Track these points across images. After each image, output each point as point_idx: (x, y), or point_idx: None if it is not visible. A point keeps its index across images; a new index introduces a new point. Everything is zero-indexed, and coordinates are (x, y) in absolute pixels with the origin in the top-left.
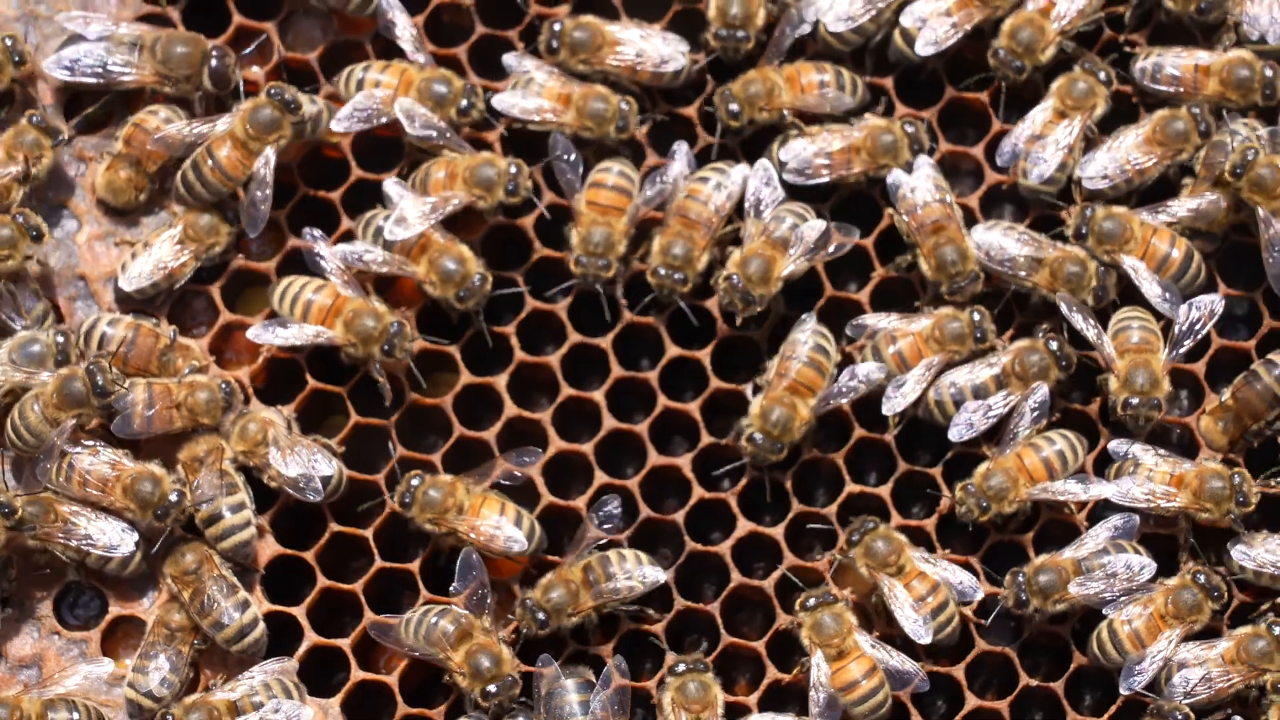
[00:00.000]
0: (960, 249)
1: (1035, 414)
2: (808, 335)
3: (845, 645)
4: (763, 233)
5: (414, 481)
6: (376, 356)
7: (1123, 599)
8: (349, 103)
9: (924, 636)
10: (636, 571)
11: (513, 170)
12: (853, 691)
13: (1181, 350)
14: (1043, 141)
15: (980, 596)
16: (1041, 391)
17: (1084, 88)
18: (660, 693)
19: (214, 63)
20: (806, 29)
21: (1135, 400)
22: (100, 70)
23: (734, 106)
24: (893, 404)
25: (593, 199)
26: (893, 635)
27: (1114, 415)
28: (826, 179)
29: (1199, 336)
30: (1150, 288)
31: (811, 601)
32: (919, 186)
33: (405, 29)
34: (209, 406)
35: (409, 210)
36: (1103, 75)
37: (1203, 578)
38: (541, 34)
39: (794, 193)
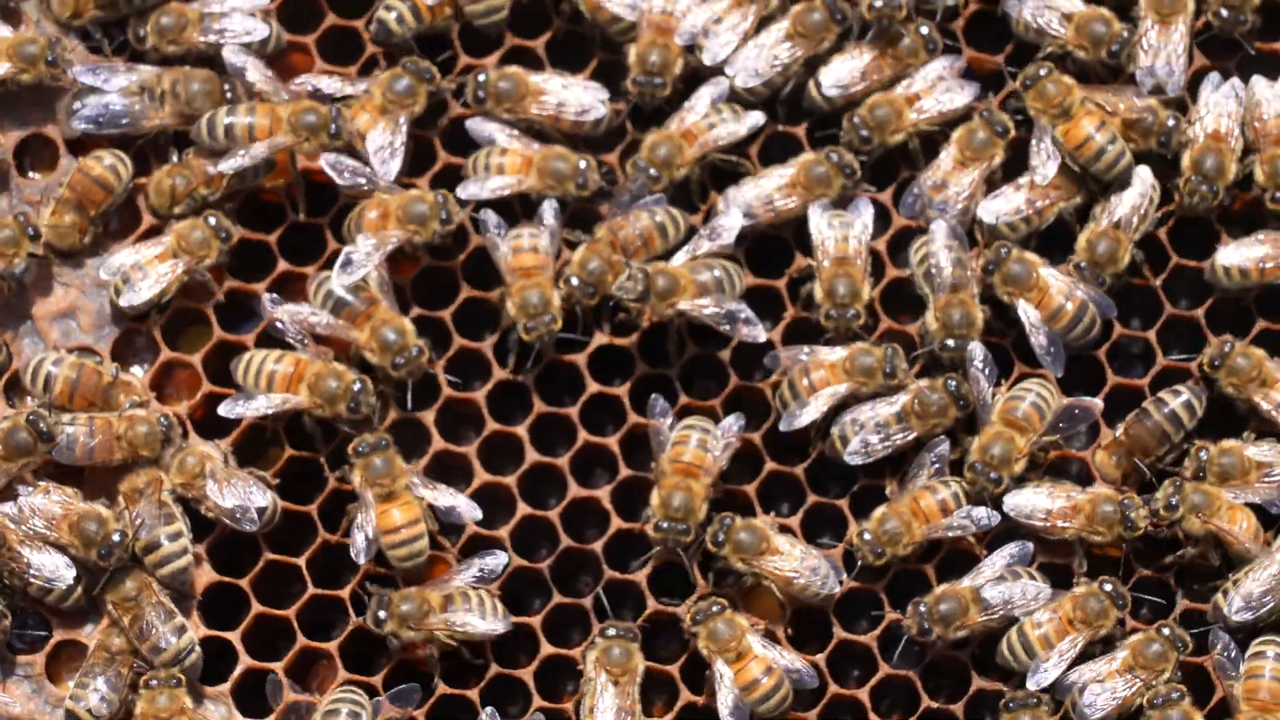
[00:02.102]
0: (855, 288)
1: (935, 465)
2: (698, 426)
3: (741, 648)
4: (690, 270)
5: (381, 442)
6: (344, 415)
7: (1032, 604)
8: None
9: (820, 582)
10: (479, 614)
11: (441, 200)
12: (755, 690)
13: (1048, 439)
14: (945, 191)
15: (838, 585)
16: (943, 445)
17: (983, 138)
18: (586, 653)
19: (229, 95)
20: (710, 100)
21: (980, 466)
22: (126, 121)
23: (654, 172)
24: (790, 421)
25: (518, 264)
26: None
27: (965, 470)
28: (769, 218)
29: (1067, 432)
30: (1037, 338)
31: (700, 615)
32: (843, 224)
33: (330, 83)
34: (148, 440)
35: (355, 255)
36: (999, 128)
37: (1109, 586)
38: (468, 85)
39: None
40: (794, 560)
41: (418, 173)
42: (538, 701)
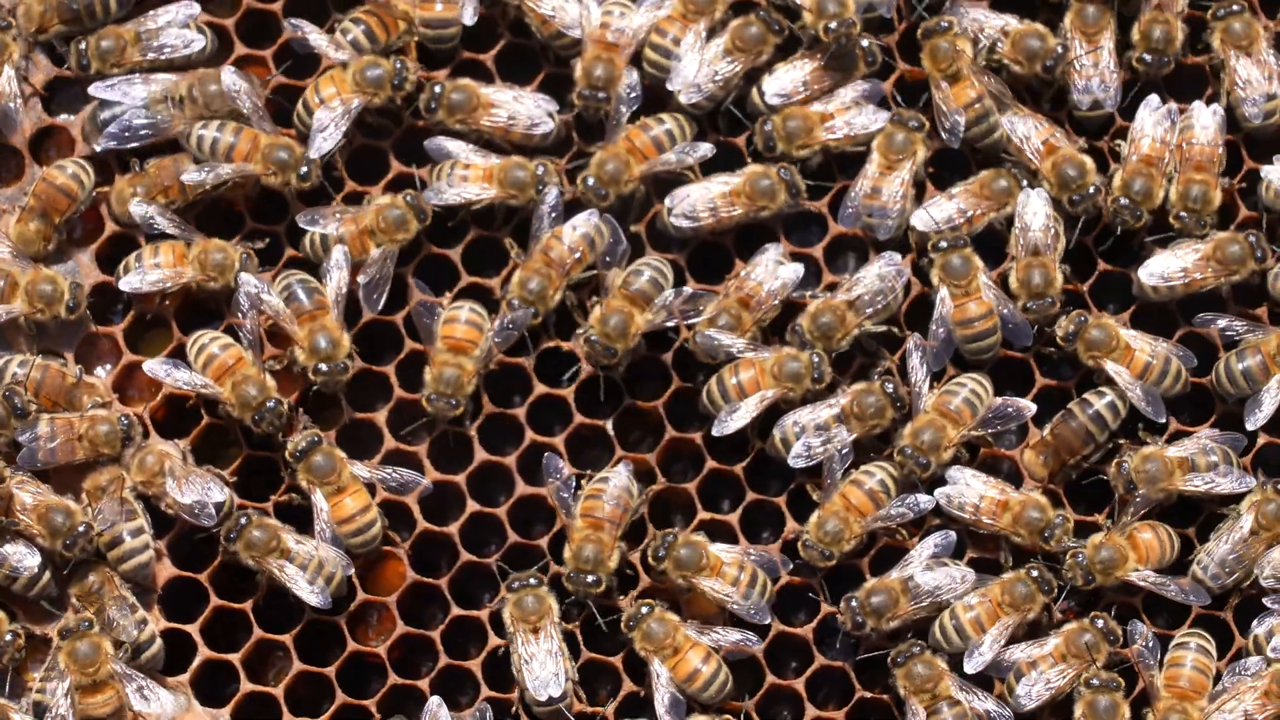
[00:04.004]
0: (733, 328)
1: (844, 457)
2: (617, 481)
3: (676, 642)
4: (621, 285)
5: (315, 439)
6: (247, 422)
7: (958, 589)
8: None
9: (751, 611)
10: (308, 580)
11: (410, 200)
12: (696, 679)
13: (977, 433)
14: (879, 198)
15: (784, 574)
16: (842, 436)
17: (901, 139)
18: (500, 611)
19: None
20: (628, 111)
21: (909, 449)
22: (150, 130)
23: (603, 190)
24: (722, 426)
25: (447, 334)
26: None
27: (896, 454)
28: (711, 223)
29: (999, 429)
30: (935, 330)
31: (633, 621)
32: (775, 270)
33: (318, 39)
34: (109, 438)
35: (374, 282)
36: (914, 123)
37: (1036, 572)
38: (422, 95)
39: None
40: (728, 586)
41: (371, 182)
42: (485, 692)
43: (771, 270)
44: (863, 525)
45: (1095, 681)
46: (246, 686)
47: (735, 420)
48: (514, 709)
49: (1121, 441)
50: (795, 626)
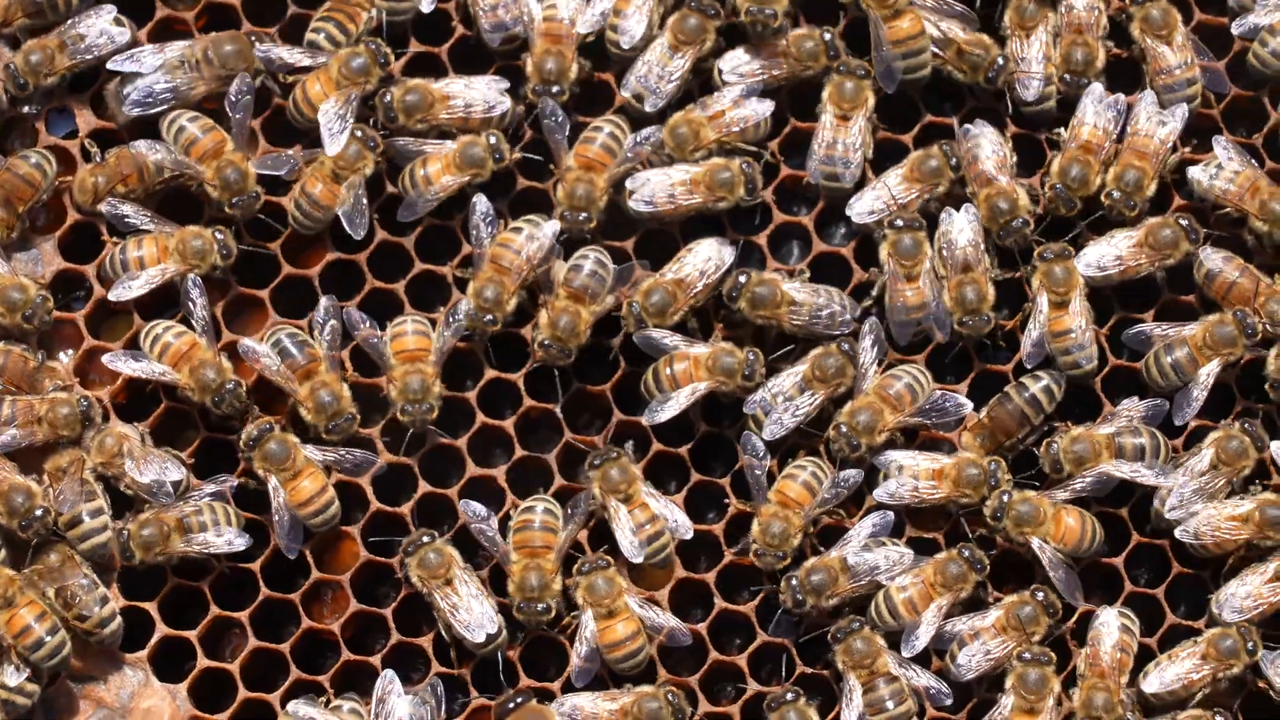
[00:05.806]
0: (668, 306)
1: (761, 461)
2: (538, 506)
3: (615, 606)
4: (564, 283)
5: (268, 426)
6: (208, 405)
7: (895, 568)
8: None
9: (636, 557)
10: (216, 533)
11: (360, 135)
12: (618, 649)
13: (913, 421)
14: (838, 148)
15: (690, 535)
16: (753, 442)
17: (851, 87)
18: (408, 578)
19: (261, 52)
20: (562, 137)
21: (844, 428)
22: (171, 93)
23: (585, 214)
24: (652, 416)
25: (399, 349)
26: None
27: (830, 430)
28: (669, 209)
29: (935, 421)
30: (895, 316)
31: (586, 567)
32: (712, 256)
33: (290, 54)
34: (68, 421)
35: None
36: (861, 72)
37: (967, 552)
38: (377, 109)
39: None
40: (628, 533)
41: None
42: (436, 667)
43: (707, 256)
44: (803, 518)
45: (1027, 655)
46: (203, 663)
47: (666, 410)
48: (467, 684)
49: (1057, 425)
50: (738, 604)
